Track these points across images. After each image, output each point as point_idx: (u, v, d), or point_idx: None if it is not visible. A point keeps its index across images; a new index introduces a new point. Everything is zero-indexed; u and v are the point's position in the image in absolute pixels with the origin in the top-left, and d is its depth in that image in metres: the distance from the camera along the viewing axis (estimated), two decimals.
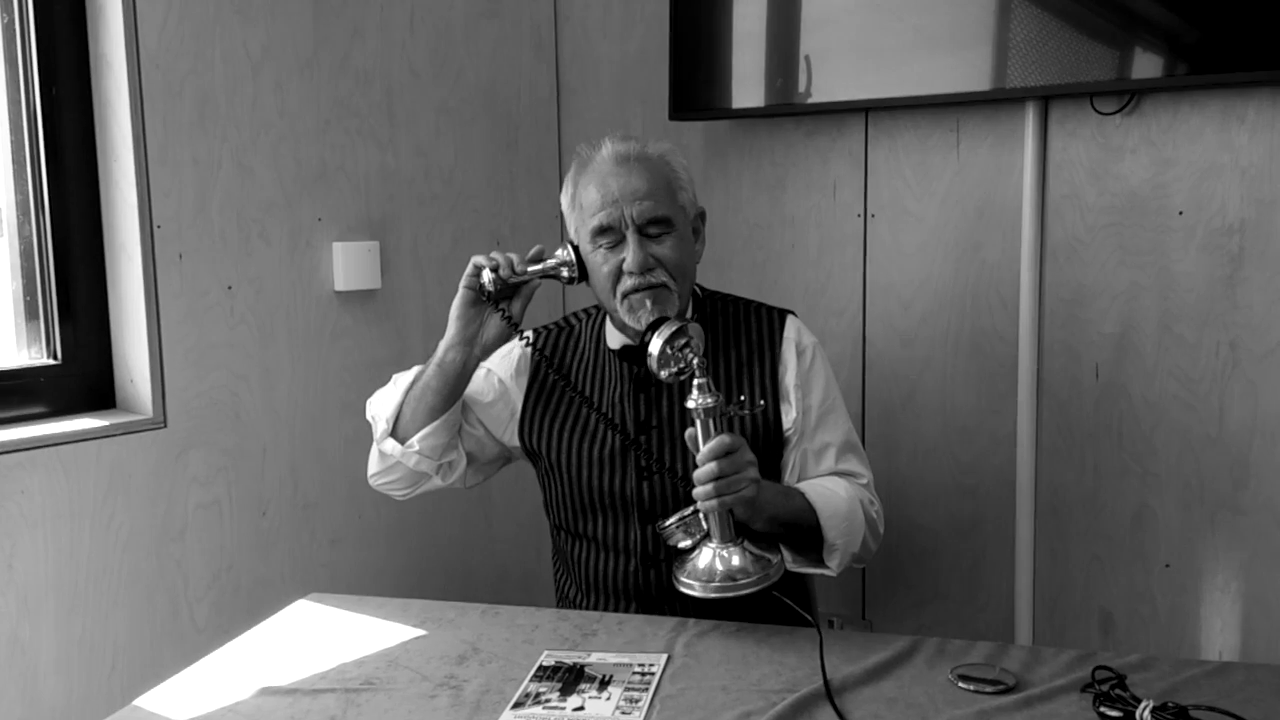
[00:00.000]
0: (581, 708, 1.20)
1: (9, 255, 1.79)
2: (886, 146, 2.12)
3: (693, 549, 1.40)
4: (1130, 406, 1.95)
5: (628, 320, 1.51)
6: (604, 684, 1.25)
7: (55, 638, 1.72)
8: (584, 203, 1.53)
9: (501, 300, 1.53)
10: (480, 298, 1.53)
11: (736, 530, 1.38)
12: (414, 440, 1.56)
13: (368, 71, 2.08)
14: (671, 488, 1.54)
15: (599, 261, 1.52)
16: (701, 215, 1.62)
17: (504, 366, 1.65)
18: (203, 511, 1.89)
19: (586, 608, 1.61)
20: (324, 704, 1.23)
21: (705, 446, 1.35)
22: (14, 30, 1.74)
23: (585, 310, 1.71)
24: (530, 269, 1.54)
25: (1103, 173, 1.93)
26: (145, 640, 1.82)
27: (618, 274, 1.51)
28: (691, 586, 1.37)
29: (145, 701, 1.25)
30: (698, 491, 1.35)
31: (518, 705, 1.21)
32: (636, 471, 1.56)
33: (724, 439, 1.34)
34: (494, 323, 1.55)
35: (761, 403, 1.53)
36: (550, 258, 1.55)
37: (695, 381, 1.36)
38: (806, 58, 2.06)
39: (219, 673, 1.33)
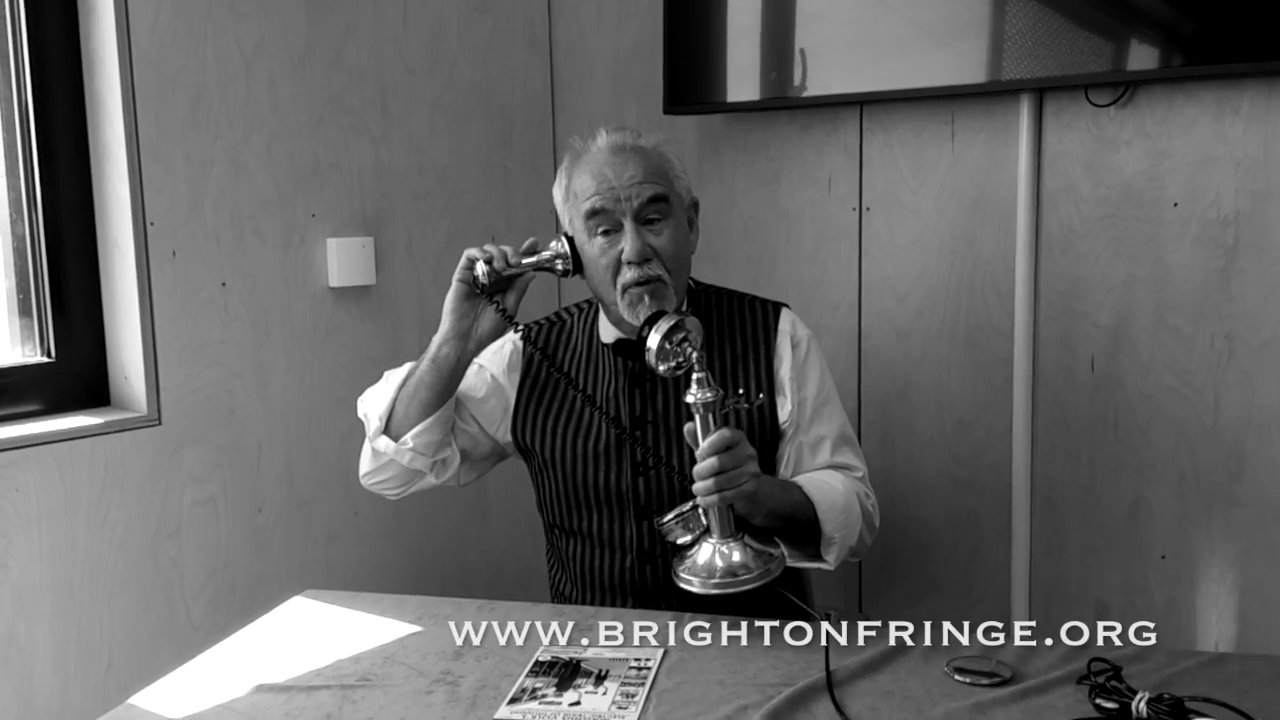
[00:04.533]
0: (578, 702, 1.20)
1: (2, 253, 1.78)
2: (881, 139, 2.12)
3: (692, 544, 1.40)
4: (1126, 398, 1.95)
5: (626, 315, 1.50)
6: (600, 679, 1.25)
7: (51, 636, 1.71)
8: (578, 190, 1.52)
9: (496, 293, 1.52)
10: (474, 291, 1.52)
11: (736, 525, 1.38)
12: (408, 437, 1.55)
13: (361, 67, 2.08)
14: (668, 482, 1.54)
15: (596, 253, 1.51)
16: (695, 205, 1.61)
17: (496, 362, 1.64)
18: (198, 509, 1.89)
19: (582, 604, 1.60)
20: (319, 701, 1.22)
21: (705, 441, 1.34)
22: (5, 27, 1.73)
23: (577, 305, 1.70)
24: (525, 261, 1.52)
25: (1097, 165, 1.93)
26: (141, 638, 1.82)
27: (616, 266, 1.50)
28: (691, 583, 1.37)
29: (140, 699, 1.25)
30: (698, 486, 1.35)
31: (514, 701, 1.21)
32: (632, 466, 1.55)
33: (724, 433, 1.34)
34: (488, 316, 1.53)
35: (760, 396, 1.52)
36: (544, 250, 1.53)
37: (694, 376, 1.35)
38: (801, 51, 2.06)
39: (214, 670, 1.33)
